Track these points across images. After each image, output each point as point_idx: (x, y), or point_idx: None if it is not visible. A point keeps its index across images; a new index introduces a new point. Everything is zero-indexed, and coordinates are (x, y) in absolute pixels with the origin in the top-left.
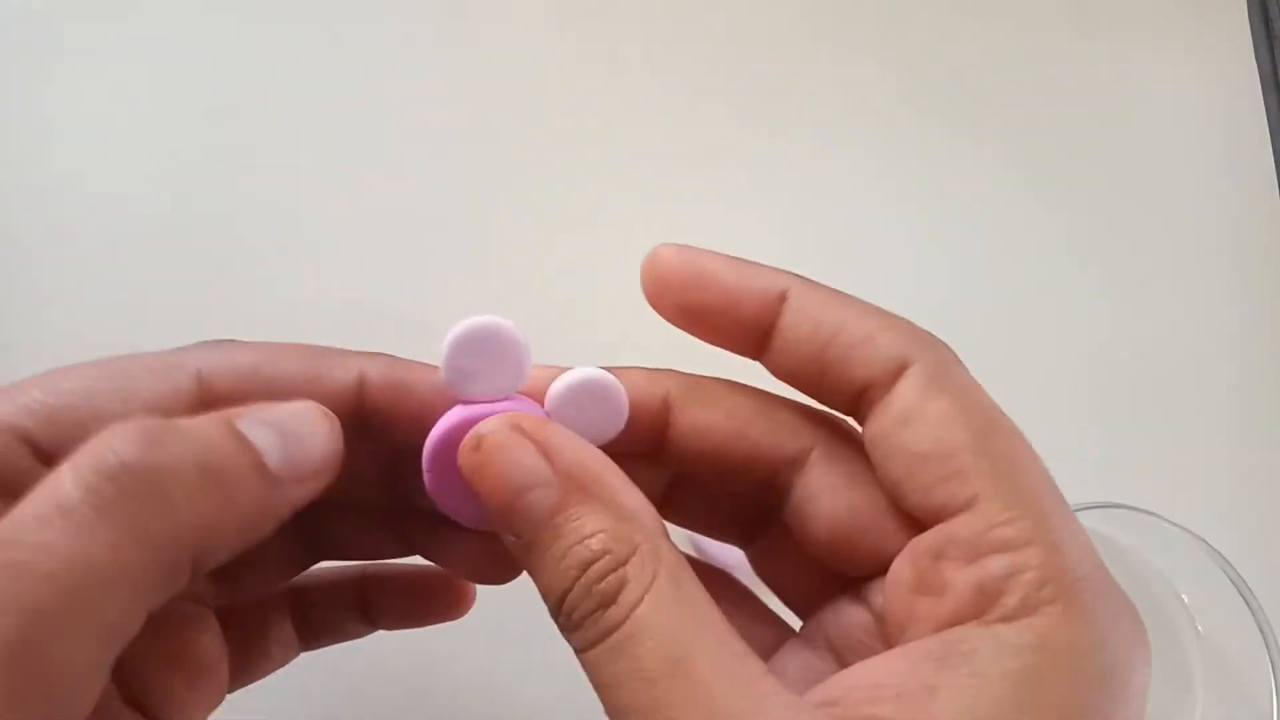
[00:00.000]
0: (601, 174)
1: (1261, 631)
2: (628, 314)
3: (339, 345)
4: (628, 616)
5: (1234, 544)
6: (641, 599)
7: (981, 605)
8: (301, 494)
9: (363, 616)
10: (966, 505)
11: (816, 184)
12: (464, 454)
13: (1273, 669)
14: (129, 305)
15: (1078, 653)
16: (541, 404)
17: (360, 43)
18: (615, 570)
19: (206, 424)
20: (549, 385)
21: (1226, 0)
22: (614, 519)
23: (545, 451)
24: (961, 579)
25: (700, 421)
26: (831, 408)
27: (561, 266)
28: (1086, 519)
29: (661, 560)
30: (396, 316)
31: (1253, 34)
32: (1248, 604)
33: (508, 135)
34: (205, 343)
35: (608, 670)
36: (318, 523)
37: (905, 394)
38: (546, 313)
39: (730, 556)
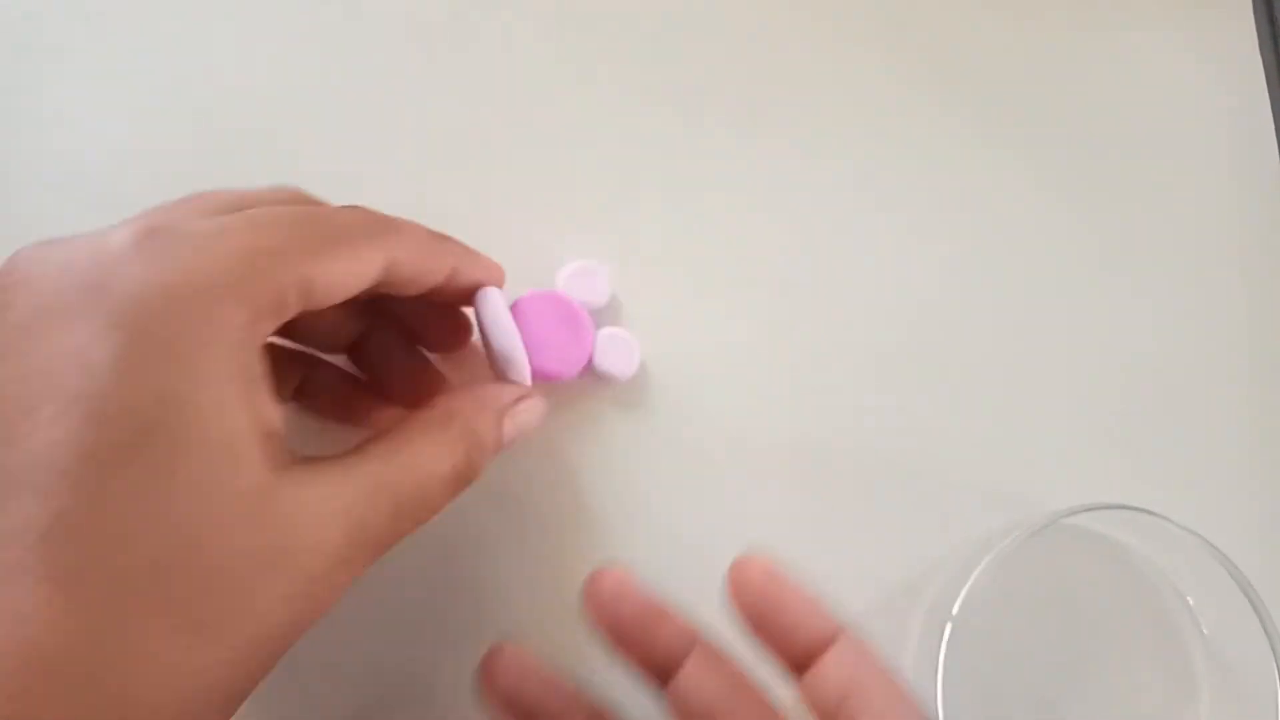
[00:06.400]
0: (593, 176)
1: (1267, 634)
2: (630, 313)
3: None
4: None
5: (1239, 546)
6: None
7: None
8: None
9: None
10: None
11: (813, 181)
12: None
13: (1278, 672)
14: None
15: None
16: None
17: (359, 38)
18: None
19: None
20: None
21: None
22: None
23: None
24: None
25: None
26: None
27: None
28: (1090, 520)
29: None
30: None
31: (1257, 28)
32: (1253, 606)
33: (505, 133)
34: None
35: None
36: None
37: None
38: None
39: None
